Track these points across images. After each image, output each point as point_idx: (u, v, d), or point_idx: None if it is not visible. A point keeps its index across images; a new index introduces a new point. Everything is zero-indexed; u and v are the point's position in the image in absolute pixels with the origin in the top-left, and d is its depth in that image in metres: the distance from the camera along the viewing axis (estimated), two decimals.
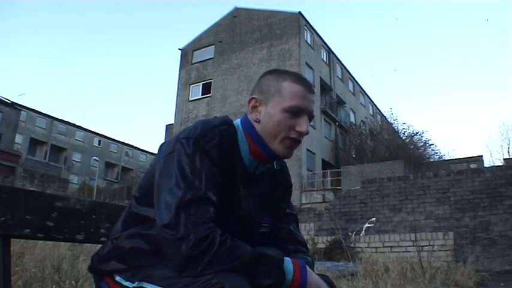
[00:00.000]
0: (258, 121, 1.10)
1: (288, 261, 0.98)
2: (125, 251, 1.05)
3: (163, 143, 1.10)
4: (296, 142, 1.10)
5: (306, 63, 25.73)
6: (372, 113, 37.27)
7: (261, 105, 1.11)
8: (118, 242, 1.08)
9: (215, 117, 1.15)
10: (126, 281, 1.01)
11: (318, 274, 1.14)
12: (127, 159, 48.18)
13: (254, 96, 1.13)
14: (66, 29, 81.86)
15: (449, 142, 75.83)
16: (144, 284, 0.96)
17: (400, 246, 8.83)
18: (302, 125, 1.08)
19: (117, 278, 1.04)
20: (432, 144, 28.41)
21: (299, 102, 1.08)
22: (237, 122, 1.15)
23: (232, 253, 0.92)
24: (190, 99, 27.84)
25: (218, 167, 1.01)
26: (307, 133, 1.08)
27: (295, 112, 1.07)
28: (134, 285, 0.99)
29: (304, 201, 21.30)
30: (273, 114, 1.08)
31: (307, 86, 1.12)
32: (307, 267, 1.01)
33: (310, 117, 1.11)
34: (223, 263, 0.90)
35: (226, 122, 1.10)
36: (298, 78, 1.12)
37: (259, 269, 0.93)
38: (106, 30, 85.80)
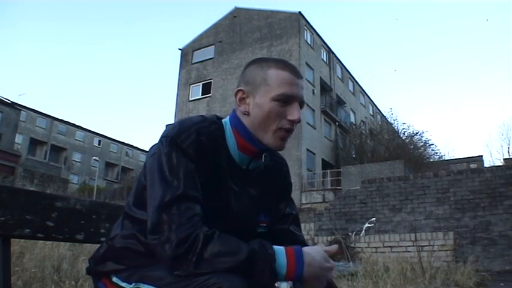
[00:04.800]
0: (247, 113, 1.06)
1: (281, 255, 0.92)
2: (121, 252, 1.05)
3: (153, 145, 1.08)
4: (289, 132, 1.06)
5: (306, 63, 25.73)
6: (372, 113, 37.27)
7: (249, 96, 1.07)
8: (113, 242, 1.07)
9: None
10: (123, 281, 1.01)
11: None
12: (127, 159, 48.18)
13: (241, 88, 1.08)
14: (66, 28, 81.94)
15: (449, 142, 75.86)
16: (141, 285, 0.96)
17: (400, 246, 8.82)
18: (294, 113, 1.04)
19: (114, 279, 1.03)
20: (432, 144, 28.45)
21: (288, 90, 1.04)
22: (225, 119, 1.12)
23: (220, 249, 0.88)
24: (190, 99, 27.85)
25: (197, 164, 0.99)
26: (299, 121, 1.05)
27: (285, 100, 1.03)
28: (131, 286, 0.98)
29: (304, 201, 21.31)
30: (262, 105, 1.03)
31: (294, 71, 1.07)
32: (306, 253, 0.93)
33: (301, 103, 1.07)
34: (212, 260, 0.87)
35: (208, 120, 1.06)
36: (283, 65, 1.07)
37: (250, 267, 0.89)
38: (106, 30, 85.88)
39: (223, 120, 1.11)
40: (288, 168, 1.27)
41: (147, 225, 0.95)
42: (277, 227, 1.19)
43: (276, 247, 0.94)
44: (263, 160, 1.14)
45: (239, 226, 1.07)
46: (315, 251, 0.95)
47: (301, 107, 1.07)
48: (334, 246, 1.01)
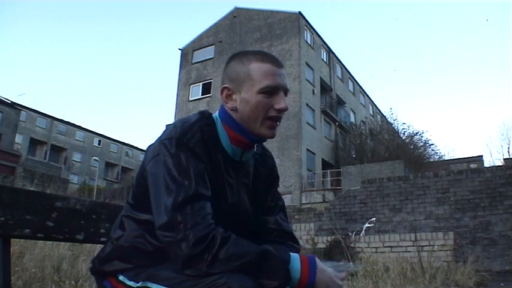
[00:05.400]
0: (235, 109, 1.09)
1: (295, 260, 0.95)
2: (128, 251, 1.05)
3: (148, 147, 1.09)
4: (277, 120, 1.09)
5: (306, 63, 25.72)
6: (372, 113, 37.26)
7: (235, 93, 1.09)
8: (120, 242, 1.07)
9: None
10: (130, 280, 1.01)
11: None
12: (127, 159, 48.17)
13: (225, 85, 1.11)
14: (67, 28, 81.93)
15: (449, 142, 75.85)
16: (149, 284, 0.96)
17: (400, 246, 8.82)
18: (280, 102, 1.07)
19: (121, 278, 1.03)
20: (432, 144, 28.55)
21: (272, 81, 1.07)
22: (215, 114, 1.14)
23: (235, 251, 0.91)
24: (190, 99, 27.86)
25: (204, 161, 1.01)
26: (286, 109, 1.08)
27: (270, 91, 1.06)
28: (138, 285, 0.98)
29: (304, 201, 21.28)
30: (249, 99, 1.06)
31: (275, 62, 1.10)
32: (318, 262, 0.98)
33: (286, 91, 1.10)
34: (227, 261, 0.89)
35: (205, 116, 1.10)
36: (263, 56, 1.10)
37: (264, 269, 0.91)
38: (106, 30, 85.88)
39: (213, 115, 1.14)
40: (274, 161, 1.30)
41: (157, 221, 0.95)
42: (263, 217, 1.21)
43: (290, 253, 0.97)
44: (255, 150, 1.17)
45: (236, 216, 1.10)
46: (326, 265, 0.99)
47: (285, 94, 1.10)
48: (343, 274, 1.05)
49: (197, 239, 0.90)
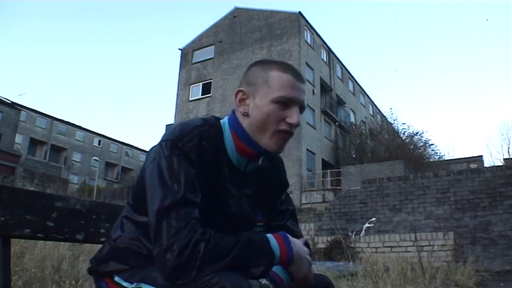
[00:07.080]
0: (247, 114, 1.05)
1: (271, 238, 0.97)
2: (124, 252, 1.05)
3: (151, 148, 1.07)
4: (287, 135, 1.04)
5: (306, 63, 25.73)
6: (372, 113, 37.27)
7: (249, 97, 1.05)
8: (117, 243, 1.07)
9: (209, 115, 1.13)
10: (125, 281, 1.01)
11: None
12: (127, 159, 48.17)
13: (241, 88, 1.07)
14: (67, 28, 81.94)
15: (449, 142, 75.86)
16: (143, 285, 0.96)
17: (400, 246, 8.81)
18: (293, 116, 1.02)
19: (116, 279, 1.03)
20: (432, 144, 28.58)
21: (288, 93, 1.02)
22: (224, 120, 1.10)
23: (220, 249, 0.89)
24: (190, 99, 27.86)
25: (197, 167, 0.98)
26: (298, 125, 1.03)
27: (284, 103, 1.02)
28: (133, 286, 0.98)
29: (304, 201, 21.30)
30: (262, 106, 1.02)
31: (296, 75, 1.06)
32: (289, 236, 0.99)
33: (301, 108, 1.05)
34: (215, 261, 0.88)
35: (208, 122, 1.06)
36: (286, 67, 1.06)
37: (250, 257, 0.91)
38: (106, 30, 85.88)
39: (221, 120, 1.10)
40: (284, 165, 1.27)
41: (150, 229, 0.95)
42: (274, 223, 1.19)
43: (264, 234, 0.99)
44: (260, 163, 1.13)
45: (237, 227, 1.06)
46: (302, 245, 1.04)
47: (301, 111, 1.06)
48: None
49: (181, 247, 0.87)
